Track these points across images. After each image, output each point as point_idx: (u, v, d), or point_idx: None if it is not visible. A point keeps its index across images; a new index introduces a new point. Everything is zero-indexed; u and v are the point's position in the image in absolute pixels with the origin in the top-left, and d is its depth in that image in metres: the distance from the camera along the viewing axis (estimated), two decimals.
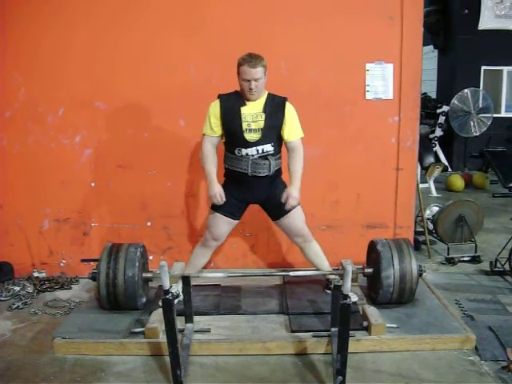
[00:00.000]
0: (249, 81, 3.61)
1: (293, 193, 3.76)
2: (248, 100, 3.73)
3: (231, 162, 3.81)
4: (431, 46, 11.95)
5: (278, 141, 3.82)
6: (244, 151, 3.74)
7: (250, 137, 3.72)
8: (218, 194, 3.77)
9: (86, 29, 4.54)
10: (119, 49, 4.56)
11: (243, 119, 3.70)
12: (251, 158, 3.74)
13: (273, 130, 3.76)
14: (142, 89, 4.59)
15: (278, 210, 3.93)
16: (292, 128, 3.79)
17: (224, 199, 3.79)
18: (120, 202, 4.75)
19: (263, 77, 3.66)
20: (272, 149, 3.77)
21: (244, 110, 3.72)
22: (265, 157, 3.76)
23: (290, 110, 3.79)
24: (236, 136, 3.74)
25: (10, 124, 4.64)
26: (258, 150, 3.74)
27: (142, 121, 4.64)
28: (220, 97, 3.78)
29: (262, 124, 3.72)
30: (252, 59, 3.59)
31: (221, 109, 3.73)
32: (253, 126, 3.71)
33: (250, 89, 3.64)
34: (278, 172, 3.90)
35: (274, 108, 3.75)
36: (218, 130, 3.77)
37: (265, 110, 3.73)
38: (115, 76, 4.59)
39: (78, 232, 4.79)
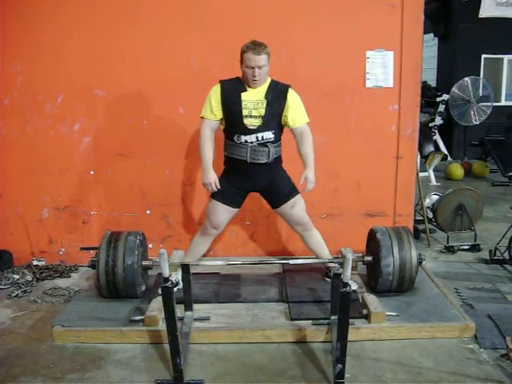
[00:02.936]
0: (252, 68, 3.58)
1: (309, 176, 3.74)
2: (250, 87, 3.71)
3: (230, 149, 3.79)
4: (431, 34, 11.90)
5: (279, 128, 3.81)
6: (243, 138, 3.72)
7: (251, 124, 3.70)
8: (213, 181, 3.76)
9: (87, 18, 4.52)
10: (119, 37, 4.53)
11: (243, 106, 3.68)
12: (250, 145, 3.72)
13: (274, 118, 3.74)
14: (141, 77, 4.57)
15: (277, 198, 3.93)
16: (297, 114, 3.77)
17: (219, 187, 3.78)
18: (119, 190, 4.75)
19: (267, 64, 3.63)
20: (272, 136, 3.76)
21: (245, 97, 3.69)
22: (264, 144, 3.74)
23: (293, 97, 3.76)
24: (236, 122, 3.72)
25: (8, 112, 4.62)
26: (257, 137, 3.72)
27: (142, 109, 4.62)
28: (221, 82, 3.75)
29: (263, 111, 3.69)
30: (256, 46, 3.56)
31: (222, 94, 3.70)
32: (254, 113, 3.69)
33: (254, 76, 3.61)
34: (278, 160, 3.89)
35: (276, 95, 3.72)
36: (218, 113, 3.73)
37: (266, 97, 3.70)
38: (115, 64, 4.56)
39: (77, 220, 4.78)
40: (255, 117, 3.70)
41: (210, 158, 3.76)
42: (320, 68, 4.63)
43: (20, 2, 4.51)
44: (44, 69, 4.56)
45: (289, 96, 3.74)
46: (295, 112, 3.77)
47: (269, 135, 3.74)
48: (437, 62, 12.29)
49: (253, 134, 3.71)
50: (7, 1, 4.50)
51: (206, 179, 3.77)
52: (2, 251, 4.67)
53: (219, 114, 3.74)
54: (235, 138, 3.74)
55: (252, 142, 3.72)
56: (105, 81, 4.59)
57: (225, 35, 4.50)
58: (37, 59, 4.56)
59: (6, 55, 4.54)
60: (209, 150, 3.76)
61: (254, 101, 3.70)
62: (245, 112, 3.68)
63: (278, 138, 3.82)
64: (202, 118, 3.78)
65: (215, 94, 3.72)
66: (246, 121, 3.69)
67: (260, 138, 3.73)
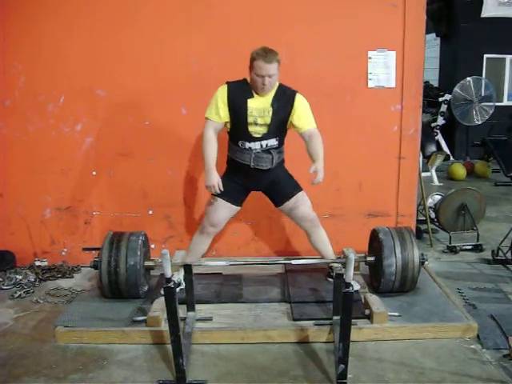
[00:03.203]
0: (263, 76, 3.52)
1: (319, 167, 3.58)
2: (257, 93, 3.65)
3: (234, 152, 3.78)
4: (433, 34, 11.90)
5: (283, 134, 3.79)
6: (247, 145, 3.70)
7: (255, 132, 3.67)
8: (217, 183, 3.69)
9: (87, 18, 4.52)
10: (119, 37, 4.53)
11: (249, 113, 3.63)
12: (254, 151, 3.71)
13: (279, 125, 3.71)
14: (143, 77, 4.57)
15: (280, 196, 3.93)
16: (304, 118, 3.72)
17: (222, 189, 3.72)
18: (121, 191, 4.75)
19: (277, 72, 3.58)
20: (276, 143, 3.75)
21: (251, 104, 3.64)
22: (268, 151, 3.73)
23: (300, 102, 3.71)
24: (240, 128, 3.68)
25: (10, 112, 4.62)
26: (261, 145, 3.70)
27: (144, 109, 4.62)
28: (228, 83, 3.69)
29: (268, 120, 3.66)
30: (267, 54, 3.49)
31: (228, 95, 3.64)
32: (259, 121, 3.65)
33: (264, 84, 3.55)
34: (280, 162, 3.88)
35: (283, 103, 3.67)
36: (224, 116, 3.67)
37: (272, 105, 3.65)
38: (116, 64, 4.56)
39: (79, 221, 4.79)
40: (260, 125, 3.66)
41: (213, 160, 3.70)
42: (321, 68, 4.62)
43: (20, 2, 4.51)
44: (44, 69, 4.56)
45: (295, 102, 3.69)
46: (302, 117, 3.72)
47: (273, 142, 3.73)
48: (439, 61, 12.29)
49: (257, 141, 3.69)
50: (7, 1, 4.50)
51: (208, 181, 3.70)
52: (5, 252, 4.67)
53: (225, 117, 3.68)
54: (239, 144, 3.72)
55: (256, 149, 3.71)
56: (106, 81, 4.59)
57: (225, 35, 4.50)
58: (37, 59, 4.55)
59: (6, 55, 4.54)
60: (212, 151, 3.69)
61: (259, 108, 3.64)
62: (250, 119, 3.64)
63: (281, 144, 3.81)
64: (206, 118, 3.72)
65: (222, 95, 3.65)
66: (251, 128, 3.66)
67: (264, 146, 3.71)
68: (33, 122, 4.63)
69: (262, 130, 3.68)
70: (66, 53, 4.54)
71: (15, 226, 4.77)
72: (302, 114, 3.73)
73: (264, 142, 3.71)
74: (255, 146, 3.70)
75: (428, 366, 3.12)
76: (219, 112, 3.66)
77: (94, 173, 4.72)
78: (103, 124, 4.66)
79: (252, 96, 3.66)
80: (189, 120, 4.58)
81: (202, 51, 4.55)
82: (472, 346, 3.34)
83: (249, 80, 3.67)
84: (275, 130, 3.71)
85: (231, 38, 4.48)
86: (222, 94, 3.66)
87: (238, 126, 3.70)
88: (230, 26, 4.51)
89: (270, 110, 3.65)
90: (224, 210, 3.88)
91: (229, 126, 3.75)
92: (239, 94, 3.66)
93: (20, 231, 4.78)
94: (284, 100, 3.69)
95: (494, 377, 3.00)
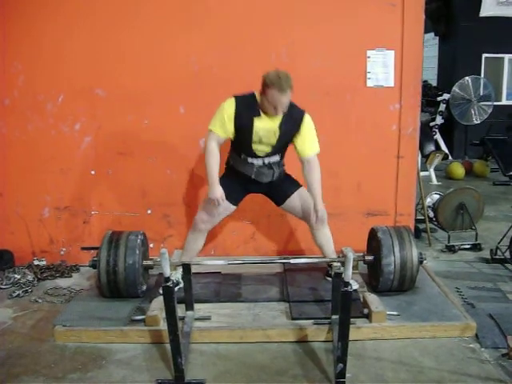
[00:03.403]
0: (276, 104, 3.44)
1: (320, 207, 3.70)
2: (265, 114, 3.57)
3: (236, 162, 3.78)
4: (432, 34, 11.90)
5: (285, 150, 3.80)
6: (250, 160, 3.71)
7: (259, 150, 3.66)
8: (220, 197, 3.66)
9: (87, 18, 4.51)
10: (119, 37, 4.53)
11: (255, 132, 3.58)
12: (256, 165, 3.71)
13: (283, 144, 3.71)
14: (141, 76, 4.57)
15: (280, 195, 3.94)
16: (307, 143, 3.70)
17: (225, 200, 3.72)
18: (120, 190, 4.75)
19: (290, 97, 3.49)
20: (278, 158, 3.76)
21: (257, 123, 3.56)
22: (270, 166, 3.74)
23: (306, 126, 3.67)
24: (244, 145, 3.67)
25: (9, 112, 4.61)
26: (264, 162, 3.71)
27: (142, 108, 4.62)
28: (236, 97, 3.58)
29: (274, 141, 3.63)
30: (282, 82, 3.36)
31: (235, 110, 3.55)
32: (264, 141, 3.62)
33: (276, 113, 3.49)
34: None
35: (290, 125, 3.62)
36: (229, 129, 3.59)
37: (280, 127, 3.60)
38: (115, 64, 4.56)
39: (78, 220, 4.78)
40: (265, 144, 3.64)
41: (216, 173, 3.64)
42: (321, 67, 4.61)
43: (20, 2, 4.50)
44: (44, 69, 4.56)
45: (303, 124, 3.65)
46: (306, 141, 3.69)
47: (275, 158, 3.74)
48: (437, 61, 12.29)
49: (260, 158, 3.69)
50: (7, 1, 4.50)
51: (212, 194, 3.66)
52: (3, 251, 4.67)
53: (229, 132, 3.60)
54: (242, 156, 3.72)
55: (258, 164, 3.72)
56: (105, 80, 4.58)
57: (225, 35, 4.49)
58: (37, 59, 4.55)
59: (6, 55, 4.53)
60: (215, 164, 3.62)
61: (266, 129, 3.58)
62: (255, 138, 3.60)
63: (282, 158, 3.82)
64: (210, 130, 3.62)
65: (229, 109, 3.55)
66: (255, 146, 3.64)
67: (267, 162, 3.72)
68: (32, 121, 4.63)
69: (266, 149, 3.67)
70: (65, 53, 4.54)
71: (14, 225, 4.77)
72: (307, 139, 3.70)
73: (267, 160, 3.71)
74: (258, 161, 3.71)
75: (427, 365, 3.12)
76: (225, 126, 3.58)
77: (93, 172, 4.71)
78: (102, 123, 4.65)
79: (259, 115, 3.57)
80: (187, 119, 4.57)
81: (202, 51, 4.55)
82: (471, 345, 3.34)
83: (257, 96, 3.56)
84: (279, 149, 3.72)
85: (231, 37, 4.48)
86: (228, 108, 3.56)
87: (241, 142, 3.67)
88: (229, 26, 4.50)
89: (277, 131, 3.60)
90: (220, 208, 3.84)
91: (232, 138, 3.71)
92: (246, 111, 3.56)
93: (19, 230, 4.78)
94: (292, 121, 3.63)
95: (493, 376, 3.00)
